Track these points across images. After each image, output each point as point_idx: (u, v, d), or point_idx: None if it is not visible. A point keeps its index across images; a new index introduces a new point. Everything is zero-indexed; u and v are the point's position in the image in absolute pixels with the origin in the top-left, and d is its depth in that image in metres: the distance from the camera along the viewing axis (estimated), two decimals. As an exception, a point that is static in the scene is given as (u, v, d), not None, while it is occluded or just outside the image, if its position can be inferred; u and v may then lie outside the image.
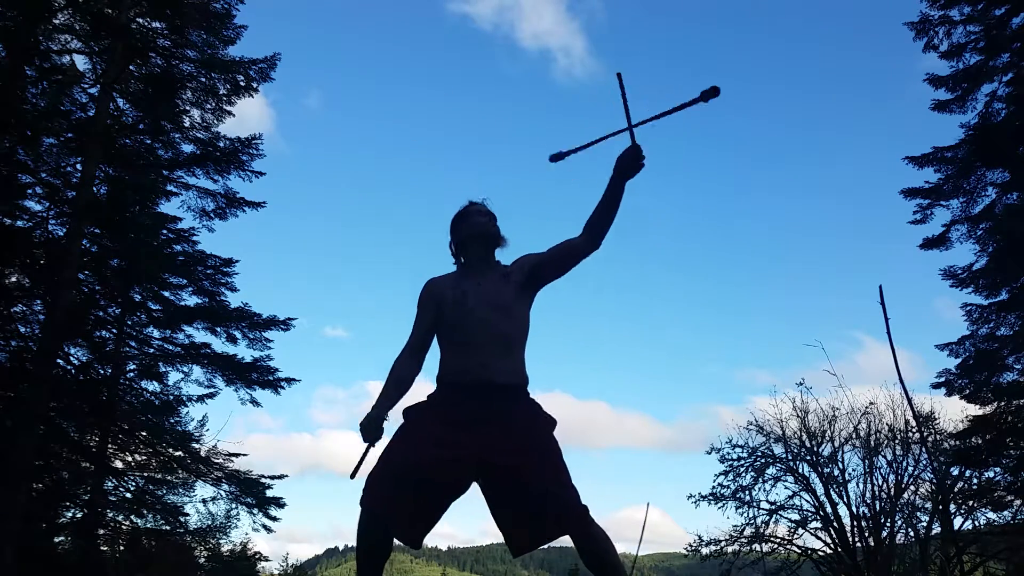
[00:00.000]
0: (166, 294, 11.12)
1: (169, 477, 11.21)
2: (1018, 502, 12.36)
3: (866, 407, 13.98)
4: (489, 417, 2.73)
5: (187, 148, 11.10)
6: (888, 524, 13.71)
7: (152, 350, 11.18)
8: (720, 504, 14.44)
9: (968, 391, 12.03)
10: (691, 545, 14.76)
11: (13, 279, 9.75)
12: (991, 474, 12.73)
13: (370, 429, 2.81)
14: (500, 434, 2.71)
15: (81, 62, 12.95)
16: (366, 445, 2.83)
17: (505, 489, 2.73)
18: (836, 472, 14.09)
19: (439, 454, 2.69)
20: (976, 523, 13.39)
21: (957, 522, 13.43)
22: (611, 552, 2.73)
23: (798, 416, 14.39)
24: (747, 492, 14.38)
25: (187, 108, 10.85)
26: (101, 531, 10.96)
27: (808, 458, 14.33)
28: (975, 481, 13.08)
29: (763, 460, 14.55)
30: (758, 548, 14.43)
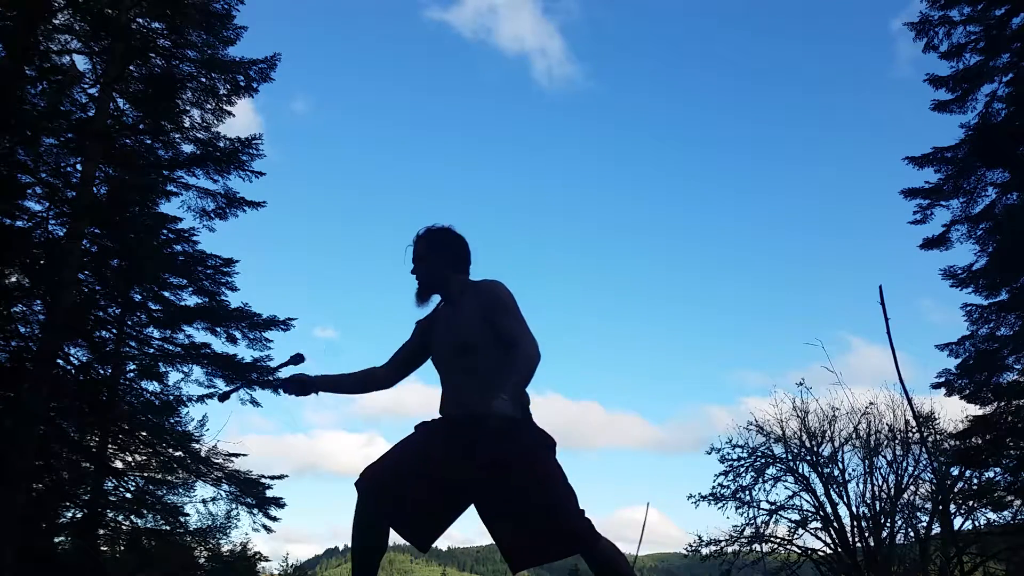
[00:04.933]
0: (166, 294, 11.13)
1: (169, 477, 11.21)
2: (1018, 502, 12.36)
3: (866, 407, 13.97)
4: (474, 447, 2.66)
5: (187, 148, 11.12)
6: (888, 524, 13.70)
7: (152, 350, 11.18)
8: (720, 504, 14.43)
9: (968, 391, 12.04)
10: (691, 545, 14.75)
11: (13, 279, 9.75)
12: (991, 474, 12.74)
13: (291, 382, 3.03)
14: (485, 462, 2.66)
15: (81, 62, 12.91)
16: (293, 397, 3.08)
17: (494, 512, 2.72)
18: (836, 472, 14.08)
19: (437, 457, 2.72)
20: (976, 523, 13.40)
21: (957, 522, 13.43)
22: (622, 565, 2.72)
23: (798, 416, 14.38)
24: (747, 492, 14.37)
25: (187, 108, 10.88)
26: (101, 531, 10.96)
27: (808, 458, 14.32)
28: (975, 481, 13.08)
29: (763, 460, 14.54)
30: (758, 548, 14.41)
